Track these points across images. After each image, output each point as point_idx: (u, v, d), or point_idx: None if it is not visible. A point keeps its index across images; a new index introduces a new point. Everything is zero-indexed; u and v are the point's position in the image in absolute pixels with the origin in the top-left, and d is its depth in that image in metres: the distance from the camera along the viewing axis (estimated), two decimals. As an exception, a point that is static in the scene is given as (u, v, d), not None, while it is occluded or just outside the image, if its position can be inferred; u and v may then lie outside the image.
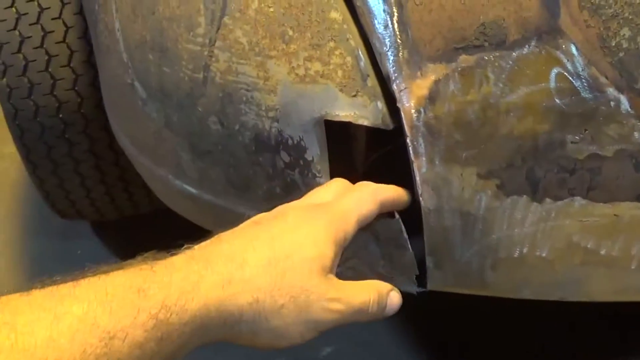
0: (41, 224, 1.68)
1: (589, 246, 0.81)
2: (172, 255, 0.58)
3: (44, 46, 1.23)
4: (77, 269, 0.54)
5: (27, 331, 0.46)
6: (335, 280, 0.65)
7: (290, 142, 0.82)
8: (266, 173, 0.84)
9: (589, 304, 0.85)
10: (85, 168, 1.31)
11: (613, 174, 0.78)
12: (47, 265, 1.62)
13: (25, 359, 0.45)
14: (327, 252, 0.63)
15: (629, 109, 0.76)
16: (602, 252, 0.82)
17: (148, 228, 1.44)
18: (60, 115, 1.25)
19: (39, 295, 0.49)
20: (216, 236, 0.62)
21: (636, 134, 0.76)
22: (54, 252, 1.65)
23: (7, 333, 0.45)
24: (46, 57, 1.23)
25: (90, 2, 1.07)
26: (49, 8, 1.24)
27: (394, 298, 0.72)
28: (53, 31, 1.24)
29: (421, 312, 1.31)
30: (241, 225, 0.65)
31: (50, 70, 1.23)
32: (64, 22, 1.24)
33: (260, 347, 0.61)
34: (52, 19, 1.23)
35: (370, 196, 0.74)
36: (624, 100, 0.76)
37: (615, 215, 0.80)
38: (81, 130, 1.27)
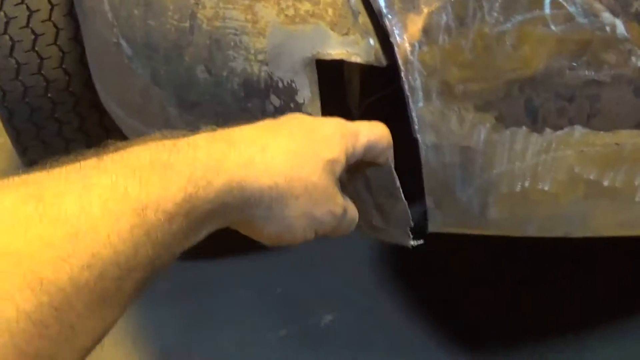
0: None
1: (591, 177, 0.78)
2: (192, 135, 0.56)
3: (30, 25, 1.20)
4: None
5: (56, 202, 0.42)
6: (338, 189, 0.64)
7: (280, 84, 0.78)
8: (256, 119, 0.80)
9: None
10: (77, 147, 1.26)
11: (612, 100, 0.75)
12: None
13: (56, 229, 0.41)
14: (339, 158, 0.62)
15: (625, 34, 0.73)
16: (605, 183, 0.79)
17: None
18: (49, 95, 1.21)
19: (62, 171, 0.46)
20: (236, 126, 0.60)
21: (633, 59, 0.74)
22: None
23: (34, 205, 0.41)
24: (32, 37, 1.20)
25: (73, -30, 1.04)
26: (34, -12, 1.20)
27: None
28: (39, 10, 1.20)
29: (421, 275, 1.30)
30: (259, 122, 0.63)
31: (37, 49, 1.20)
32: (49, 1, 1.21)
33: (266, 238, 0.60)
34: (37, -2, 1.20)
35: (382, 128, 0.70)
36: (619, 25, 0.73)
37: (616, 144, 0.77)
38: (70, 109, 1.23)
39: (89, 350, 0.44)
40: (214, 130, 0.58)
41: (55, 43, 1.20)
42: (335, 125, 0.65)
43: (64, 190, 0.43)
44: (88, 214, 0.43)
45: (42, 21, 1.20)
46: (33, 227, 0.40)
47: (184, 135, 0.55)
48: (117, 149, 0.50)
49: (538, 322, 1.19)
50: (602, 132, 0.76)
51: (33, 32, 1.20)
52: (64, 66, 1.21)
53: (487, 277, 1.29)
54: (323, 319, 1.20)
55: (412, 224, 0.79)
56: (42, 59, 1.20)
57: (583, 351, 1.14)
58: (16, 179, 0.44)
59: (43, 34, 1.20)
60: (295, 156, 0.58)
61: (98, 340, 0.44)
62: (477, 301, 1.24)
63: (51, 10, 1.20)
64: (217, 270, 1.30)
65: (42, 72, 1.20)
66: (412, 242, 0.81)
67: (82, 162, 0.47)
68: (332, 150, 0.61)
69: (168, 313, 1.24)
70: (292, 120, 0.64)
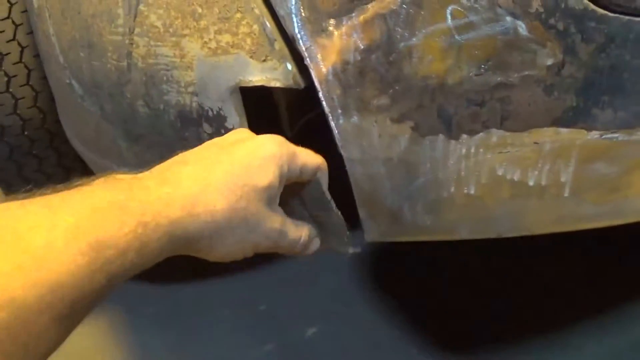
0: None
1: (515, 178, 0.85)
2: (146, 175, 0.68)
3: (3, 68, 1.31)
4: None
5: (28, 236, 0.54)
6: (278, 211, 0.74)
7: (210, 113, 0.88)
8: (194, 146, 0.90)
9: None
10: (56, 182, 1.37)
11: (524, 101, 0.81)
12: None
13: (28, 259, 0.52)
14: (273, 183, 0.72)
15: (528, 34, 0.79)
16: (531, 182, 0.85)
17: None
18: (26, 133, 1.33)
19: (34, 205, 0.57)
20: (182, 156, 0.72)
21: (539, 59, 0.80)
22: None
23: (10, 237, 0.53)
24: (6, 79, 1.31)
25: (31, 15, 1.15)
26: (3, 31, 1.31)
27: (315, 244, 0.82)
28: (9, 53, 1.31)
29: (401, 285, 1.38)
30: (205, 146, 0.75)
31: (11, 90, 1.31)
32: (19, 43, 1.31)
33: (212, 259, 0.71)
34: (7, 41, 1.31)
35: (318, 157, 0.80)
36: (521, 26, 0.79)
37: (535, 143, 0.83)
38: (48, 145, 1.34)
39: (46, 356, 0.55)
40: (162, 169, 0.70)
41: (27, 83, 1.31)
42: (274, 145, 0.74)
43: (35, 225, 0.54)
44: (53, 248, 0.54)
45: (14, 63, 1.31)
46: (9, 255, 0.52)
47: (140, 173, 0.68)
48: (82, 186, 0.62)
49: (520, 324, 1.25)
50: (518, 132, 0.83)
51: (6, 74, 1.30)
52: (37, 105, 1.31)
53: (467, 283, 1.36)
54: (306, 333, 1.28)
55: (348, 232, 0.88)
56: (16, 99, 1.31)
57: (566, 350, 1.20)
58: None
59: (16, 75, 1.31)
60: (233, 191, 0.68)
61: (55, 348, 0.56)
62: (458, 308, 1.31)
63: (21, 52, 1.30)
64: (201, 290, 1.39)
65: (18, 111, 1.31)
66: (351, 250, 0.90)
67: (53, 198, 0.58)
68: (267, 176, 0.71)
69: (155, 335, 1.33)
70: (234, 147, 0.73)
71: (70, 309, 0.55)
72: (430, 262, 1.36)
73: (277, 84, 0.84)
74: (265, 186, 0.70)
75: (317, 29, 0.82)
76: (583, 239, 1.08)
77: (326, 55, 0.82)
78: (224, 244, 0.69)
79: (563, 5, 0.78)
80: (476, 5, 0.79)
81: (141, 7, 0.90)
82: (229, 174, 0.69)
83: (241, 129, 0.81)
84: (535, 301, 1.29)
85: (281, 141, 0.75)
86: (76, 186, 0.62)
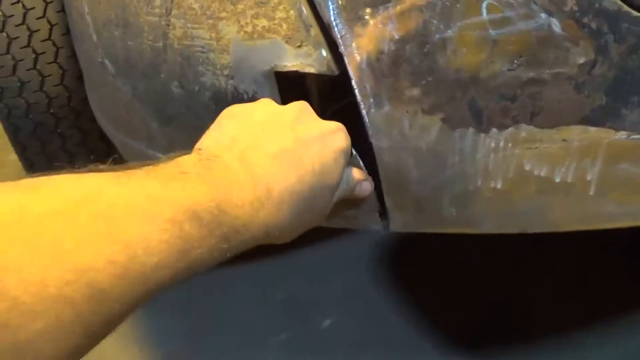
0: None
1: (542, 174, 0.89)
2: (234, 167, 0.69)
3: (31, 45, 1.36)
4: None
5: (122, 227, 0.53)
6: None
7: (245, 96, 0.92)
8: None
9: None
10: (80, 161, 1.43)
11: (554, 98, 0.85)
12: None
13: (119, 251, 0.52)
14: (341, 176, 0.80)
15: (562, 32, 0.83)
16: (557, 179, 0.89)
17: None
18: (51, 111, 1.38)
19: (134, 192, 0.57)
20: (261, 139, 0.74)
21: (571, 57, 0.84)
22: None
23: (104, 225, 0.52)
24: (34, 56, 1.36)
25: (64, -7, 1.20)
26: (33, 8, 1.36)
27: (365, 186, 0.89)
28: (39, 30, 1.36)
29: (418, 279, 1.42)
30: (276, 127, 0.77)
31: (38, 67, 1.36)
32: (48, 21, 1.37)
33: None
34: (37, 18, 1.36)
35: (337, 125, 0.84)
36: (555, 24, 0.83)
37: (563, 140, 0.87)
38: (72, 124, 1.39)
39: None
40: (247, 155, 0.72)
41: (55, 61, 1.36)
42: (344, 138, 0.81)
43: (130, 214, 0.55)
44: (147, 243, 0.55)
45: (42, 40, 1.36)
46: (101, 246, 0.52)
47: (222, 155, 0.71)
48: (173, 173, 0.63)
49: (535, 323, 1.29)
50: (547, 129, 0.87)
51: (34, 51, 1.36)
52: (64, 83, 1.37)
53: (483, 279, 1.41)
54: (322, 323, 1.33)
55: (379, 208, 0.92)
56: (43, 76, 1.36)
57: (581, 351, 1.24)
58: (92, 192, 0.55)
59: (44, 52, 1.36)
60: (316, 200, 0.75)
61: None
62: (474, 304, 1.35)
63: (50, 30, 1.36)
64: (220, 277, 1.42)
65: (44, 89, 1.37)
66: (381, 227, 0.94)
67: (150, 187, 0.59)
68: (339, 173, 0.79)
69: (172, 319, 1.38)
70: (311, 140, 0.77)
71: (149, 297, 0.56)
72: (447, 259, 1.40)
73: (312, 70, 0.88)
74: (337, 184, 0.79)
75: (353, 17, 0.86)
76: (599, 239, 1.12)
77: (361, 44, 0.86)
78: (293, 235, 0.75)
79: (597, 5, 0.82)
80: (512, 1, 0.83)
81: (179, -12, 0.95)
82: (315, 184, 0.75)
83: (299, 101, 0.84)
84: (550, 300, 1.33)
85: (342, 128, 0.82)
86: (171, 168, 0.64)
